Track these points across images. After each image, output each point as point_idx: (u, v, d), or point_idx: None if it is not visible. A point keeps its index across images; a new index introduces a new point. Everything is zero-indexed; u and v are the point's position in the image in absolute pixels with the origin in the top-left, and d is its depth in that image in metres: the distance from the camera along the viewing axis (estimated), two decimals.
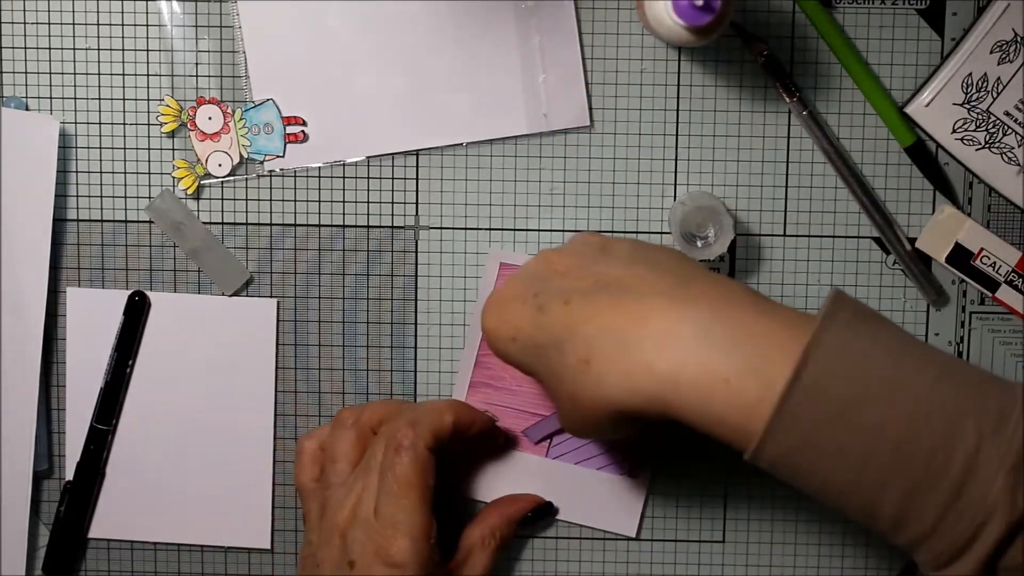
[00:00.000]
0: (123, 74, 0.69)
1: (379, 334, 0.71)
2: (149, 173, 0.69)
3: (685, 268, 0.57)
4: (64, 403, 0.71)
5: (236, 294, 0.70)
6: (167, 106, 0.69)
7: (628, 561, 0.72)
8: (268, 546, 0.72)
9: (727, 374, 0.51)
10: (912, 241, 0.70)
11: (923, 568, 0.51)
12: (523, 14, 0.68)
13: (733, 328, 0.52)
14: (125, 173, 0.69)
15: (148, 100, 0.69)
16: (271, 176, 0.70)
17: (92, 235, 0.70)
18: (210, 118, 0.69)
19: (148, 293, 0.70)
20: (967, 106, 0.67)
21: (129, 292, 0.70)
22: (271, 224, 0.70)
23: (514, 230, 0.70)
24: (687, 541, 0.72)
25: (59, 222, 0.69)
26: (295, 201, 0.70)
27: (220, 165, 0.69)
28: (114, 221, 0.70)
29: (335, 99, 0.69)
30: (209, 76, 0.69)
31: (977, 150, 0.68)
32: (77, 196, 0.69)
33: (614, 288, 0.55)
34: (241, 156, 0.69)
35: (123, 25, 0.68)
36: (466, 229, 0.70)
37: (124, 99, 0.69)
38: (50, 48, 0.69)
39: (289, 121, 0.69)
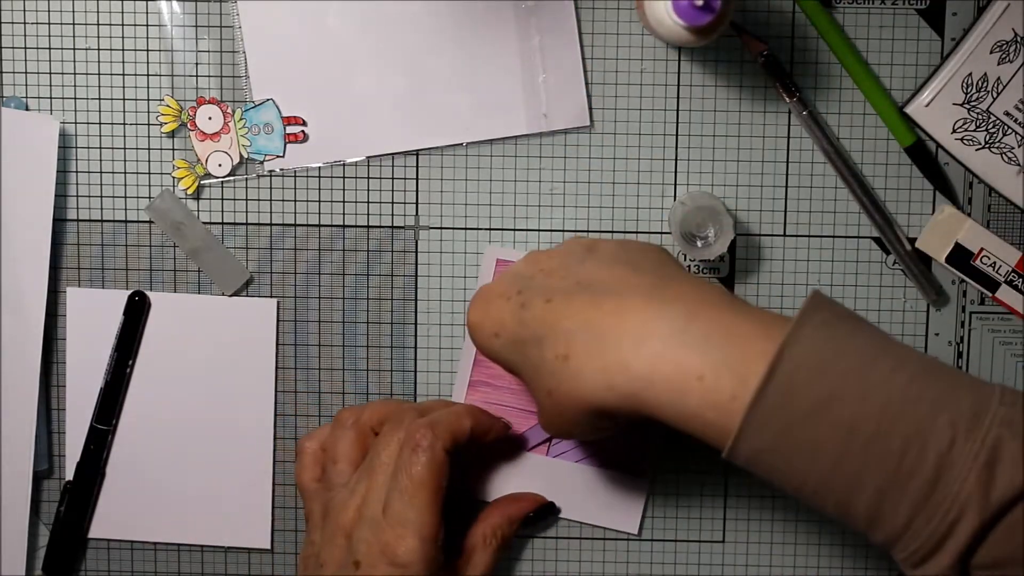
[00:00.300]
0: (123, 74, 0.69)
1: (379, 334, 0.71)
2: (149, 173, 0.69)
3: (666, 269, 0.58)
4: (64, 403, 0.71)
5: (236, 294, 0.70)
6: (167, 106, 0.69)
7: (628, 561, 0.72)
8: (268, 546, 0.72)
9: (702, 371, 0.52)
10: (912, 241, 0.70)
11: (902, 567, 0.52)
12: (523, 14, 0.68)
13: (710, 327, 0.53)
14: (125, 173, 0.69)
15: (148, 100, 0.69)
16: (271, 176, 0.70)
17: (92, 235, 0.70)
18: (210, 118, 0.69)
19: (148, 293, 0.70)
20: (967, 106, 0.67)
21: (129, 292, 0.70)
22: (271, 224, 0.70)
23: (514, 230, 0.70)
24: (687, 541, 0.72)
25: (59, 222, 0.69)
26: (295, 201, 0.70)
27: (220, 165, 0.69)
28: (114, 221, 0.70)
29: (335, 99, 0.69)
30: (209, 76, 0.69)
31: (977, 150, 0.68)
32: (77, 196, 0.69)
33: (595, 288, 0.56)
34: (241, 156, 0.69)
35: (123, 25, 0.68)
36: (466, 229, 0.70)
37: (124, 99, 0.69)
38: (50, 48, 0.68)
39: (289, 121, 0.69)
